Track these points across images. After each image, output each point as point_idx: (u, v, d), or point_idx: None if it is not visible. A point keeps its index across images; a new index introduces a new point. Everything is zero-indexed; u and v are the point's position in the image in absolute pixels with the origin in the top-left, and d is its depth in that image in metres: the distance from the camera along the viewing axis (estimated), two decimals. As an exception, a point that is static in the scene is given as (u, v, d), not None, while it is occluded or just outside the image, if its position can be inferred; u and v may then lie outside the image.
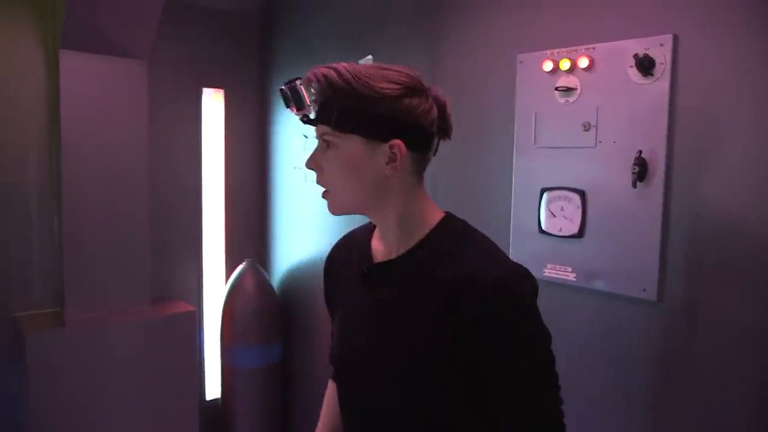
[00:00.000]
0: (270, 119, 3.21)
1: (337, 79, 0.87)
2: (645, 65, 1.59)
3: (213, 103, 3.08)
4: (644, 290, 1.67)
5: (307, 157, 0.95)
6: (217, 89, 3.07)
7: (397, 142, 0.89)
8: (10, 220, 2.55)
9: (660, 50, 1.58)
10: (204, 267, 3.12)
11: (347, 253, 1.07)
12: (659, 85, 1.60)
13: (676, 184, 1.61)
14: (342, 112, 0.87)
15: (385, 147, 0.89)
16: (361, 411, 0.99)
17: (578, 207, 1.81)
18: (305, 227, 3.00)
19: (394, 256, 0.95)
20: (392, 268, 0.94)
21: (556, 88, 1.84)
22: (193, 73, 3.00)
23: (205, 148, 3.08)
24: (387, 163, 0.90)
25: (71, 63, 2.45)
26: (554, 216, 1.88)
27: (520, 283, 0.86)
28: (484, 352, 0.84)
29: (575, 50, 1.79)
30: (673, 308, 1.63)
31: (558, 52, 1.84)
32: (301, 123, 0.96)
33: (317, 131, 0.91)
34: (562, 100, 1.84)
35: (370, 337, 0.94)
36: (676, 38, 1.57)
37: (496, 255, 0.92)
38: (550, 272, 1.90)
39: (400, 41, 2.40)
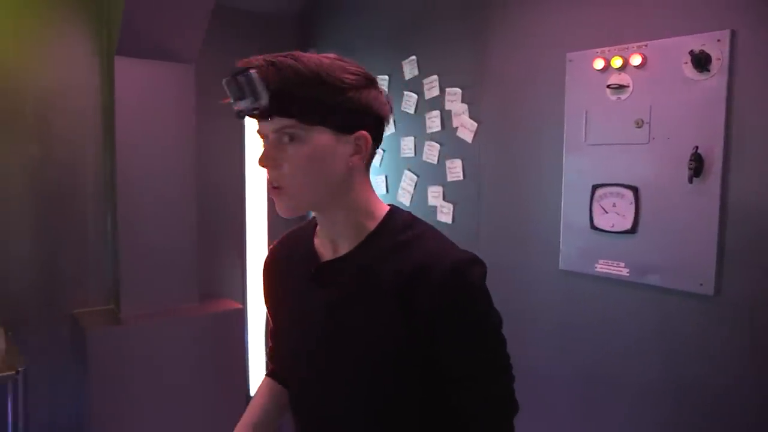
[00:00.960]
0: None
1: (302, 68, 0.82)
2: (701, 61, 1.60)
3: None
4: (701, 285, 1.68)
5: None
6: (259, 91, 3.13)
7: (363, 133, 0.87)
8: (67, 221, 2.64)
9: (717, 46, 1.60)
10: (248, 266, 3.19)
11: (288, 255, 1.03)
12: (716, 81, 1.61)
13: (733, 178, 1.62)
14: (308, 103, 0.83)
15: (350, 138, 0.87)
16: (316, 413, 0.96)
17: (631, 203, 1.83)
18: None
19: (342, 252, 0.91)
20: (342, 265, 0.91)
21: (608, 86, 1.86)
22: (236, 76, 3.07)
23: (248, 150, 3.15)
24: (351, 155, 0.87)
25: (125, 68, 2.53)
26: (606, 212, 1.90)
27: (473, 269, 0.85)
28: (440, 341, 0.84)
29: (627, 48, 1.81)
30: (730, 302, 1.64)
31: (609, 50, 1.86)
32: (238, 117, 0.87)
33: (271, 125, 0.84)
34: (613, 98, 1.86)
35: (323, 337, 0.91)
36: (733, 34, 1.58)
37: (446, 244, 0.89)
38: (602, 268, 1.92)
39: (444, 41, 2.43)
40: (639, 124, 1.80)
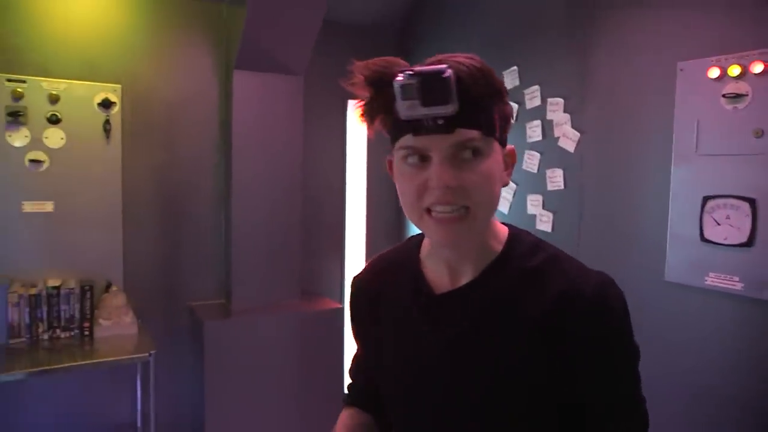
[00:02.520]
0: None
1: (487, 72, 0.73)
2: (831, 70, 1.54)
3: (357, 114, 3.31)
4: (826, 302, 1.61)
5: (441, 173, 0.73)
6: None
7: (513, 148, 0.81)
8: (186, 221, 2.90)
9: None
10: (346, 266, 3.35)
11: (386, 284, 0.92)
12: None
13: None
14: (490, 113, 0.74)
15: (504, 153, 0.80)
16: None
17: (747, 215, 1.77)
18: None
19: (464, 280, 0.82)
20: (467, 295, 0.81)
21: (723, 95, 1.82)
22: (339, 86, 3.22)
23: (349, 155, 3.31)
24: (504, 171, 0.80)
25: (242, 81, 2.76)
26: (718, 224, 1.85)
27: (617, 294, 0.77)
28: (584, 370, 0.76)
29: (746, 56, 1.76)
30: None
31: (726, 59, 1.82)
32: (396, 131, 0.76)
33: (452, 137, 0.72)
34: (729, 107, 1.81)
35: (447, 377, 0.81)
36: None
37: (581, 266, 0.81)
38: (712, 281, 1.87)
39: (546, 51, 2.46)
40: (758, 134, 1.74)
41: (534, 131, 2.49)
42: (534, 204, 2.52)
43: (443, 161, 0.73)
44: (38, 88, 2.45)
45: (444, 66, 0.69)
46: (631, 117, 2.13)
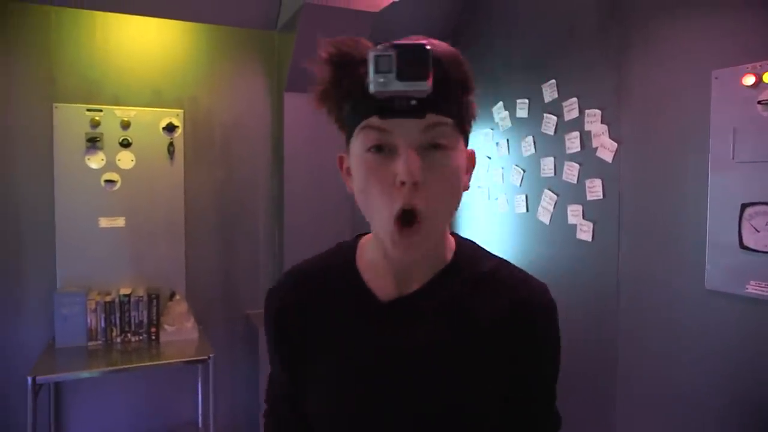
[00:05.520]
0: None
1: (464, 61, 0.67)
2: None
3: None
4: None
5: (408, 165, 0.64)
6: (405, 117, 3.41)
7: (473, 150, 0.76)
8: (242, 234, 3.11)
9: None
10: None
11: (316, 295, 0.82)
12: None
13: None
14: (461, 103, 0.67)
15: (467, 154, 0.73)
16: None
17: (786, 222, 1.76)
18: (489, 243, 3.17)
19: (415, 286, 0.76)
20: (420, 302, 0.76)
21: (759, 102, 1.82)
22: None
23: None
24: (465, 174, 0.73)
25: (292, 102, 2.94)
26: (758, 231, 1.84)
27: (554, 303, 0.80)
28: (529, 370, 0.77)
29: (780, 62, 1.77)
30: None
31: (761, 65, 1.82)
32: (361, 112, 0.67)
33: (421, 123, 0.64)
34: (765, 114, 1.81)
35: (404, 390, 0.74)
36: None
37: (526, 274, 0.81)
38: (753, 289, 1.86)
39: (583, 64, 2.50)
40: (794, 140, 1.74)
41: (573, 142, 2.53)
42: (574, 214, 2.55)
43: (412, 151, 0.64)
44: (112, 115, 2.73)
45: (424, 41, 0.63)
46: (667, 126, 2.15)
